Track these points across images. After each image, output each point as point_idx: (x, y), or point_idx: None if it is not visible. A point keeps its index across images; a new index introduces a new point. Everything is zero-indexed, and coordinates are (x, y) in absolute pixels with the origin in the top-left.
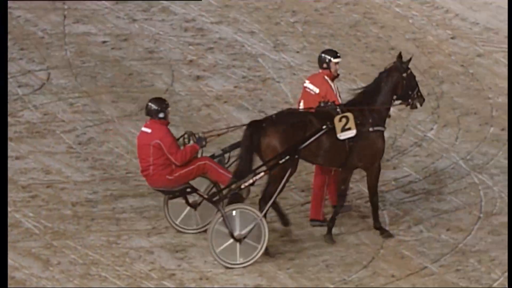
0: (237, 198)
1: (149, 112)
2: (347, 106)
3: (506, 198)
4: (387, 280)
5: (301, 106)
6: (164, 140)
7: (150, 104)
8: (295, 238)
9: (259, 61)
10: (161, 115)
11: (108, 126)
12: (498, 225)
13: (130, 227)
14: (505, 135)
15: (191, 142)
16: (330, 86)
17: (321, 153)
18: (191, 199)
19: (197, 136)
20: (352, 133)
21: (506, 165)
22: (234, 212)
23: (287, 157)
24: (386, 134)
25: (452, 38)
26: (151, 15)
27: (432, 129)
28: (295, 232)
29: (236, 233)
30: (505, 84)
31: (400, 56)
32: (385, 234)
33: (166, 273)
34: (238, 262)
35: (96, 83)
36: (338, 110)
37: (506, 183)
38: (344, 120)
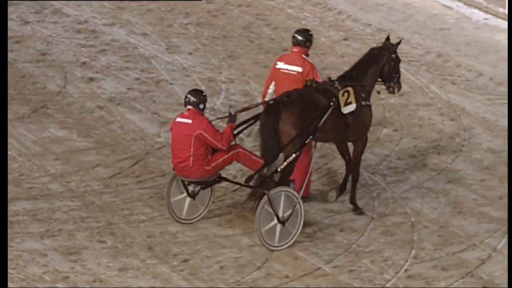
0: (274, 182)
1: (190, 103)
2: (340, 81)
3: (398, 199)
4: (281, 281)
5: (272, 88)
6: (207, 130)
7: (189, 96)
8: (188, 239)
9: (152, 63)
10: (202, 106)
11: None
12: (391, 225)
13: (23, 229)
14: (397, 136)
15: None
16: (311, 64)
17: (327, 129)
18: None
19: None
20: (353, 107)
21: (399, 165)
22: (278, 194)
23: (311, 136)
24: None
25: (344, 39)
26: (43, 17)
27: None
28: (188, 234)
29: (280, 215)
30: None
31: (388, 38)
32: (358, 211)
33: (59, 276)
34: (276, 244)
35: None
36: (337, 85)
37: (399, 183)
38: (346, 94)
